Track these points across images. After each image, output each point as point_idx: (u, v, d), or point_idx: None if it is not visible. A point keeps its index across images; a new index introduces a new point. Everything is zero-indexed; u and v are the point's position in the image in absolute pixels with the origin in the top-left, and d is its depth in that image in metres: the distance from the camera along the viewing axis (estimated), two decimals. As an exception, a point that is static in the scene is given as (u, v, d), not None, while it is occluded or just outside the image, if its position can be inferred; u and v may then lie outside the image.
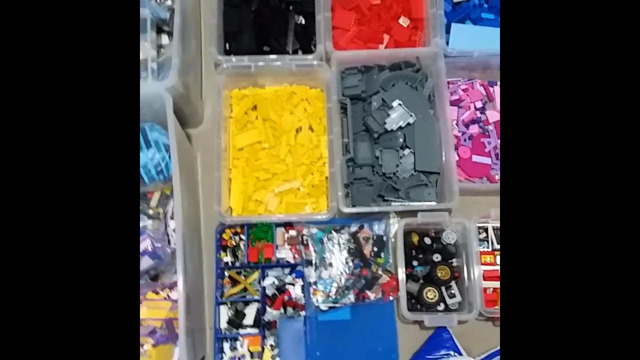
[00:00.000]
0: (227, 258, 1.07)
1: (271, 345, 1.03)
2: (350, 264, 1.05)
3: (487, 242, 1.07)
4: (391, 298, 1.04)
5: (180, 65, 0.97)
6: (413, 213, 1.04)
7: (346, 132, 1.10)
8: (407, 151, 1.09)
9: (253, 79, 1.15)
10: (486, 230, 1.07)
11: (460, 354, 1.01)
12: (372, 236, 1.08)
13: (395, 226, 1.08)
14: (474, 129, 1.17)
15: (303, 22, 1.18)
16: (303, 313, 1.04)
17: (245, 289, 1.06)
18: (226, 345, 1.04)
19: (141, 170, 0.92)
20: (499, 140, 1.16)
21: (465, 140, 1.15)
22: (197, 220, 1.11)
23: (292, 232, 1.08)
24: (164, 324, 0.88)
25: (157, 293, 0.92)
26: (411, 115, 1.08)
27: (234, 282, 1.07)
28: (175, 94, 0.96)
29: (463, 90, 1.19)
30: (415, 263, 1.06)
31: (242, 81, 1.15)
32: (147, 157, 0.93)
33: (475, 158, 1.14)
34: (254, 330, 1.03)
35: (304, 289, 1.05)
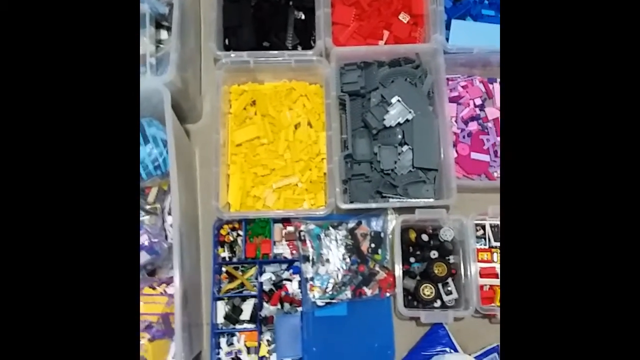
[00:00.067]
0: (225, 253, 1.08)
1: (268, 341, 1.03)
2: (348, 260, 1.05)
3: (485, 239, 1.07)
4: (388, 294, 1.05)
5: (179, 60, 0.97)
6: (411, 210, 1.04)
7: (345, 128, 1.10)
8: (405, 148, 1.09)
9: (252, 74, 1.15)
10: (483, 227, 1.07)
11: (456, 351, 1.01)
12: (370, 232, 1.08)
13: (393, 223, 1.08)
14: (473, 126, 1.16)
15: (303, 17, 1.18)
16: (300, 309, 1.04)
17: (242, 285, 1.06)
18: (223, 341, 1.04)
19: (139, 165, 0.92)
20: (498, 138, 1.16)
21: (464, 137, 1.15)
22: (194, 215, 1.11)
23: (290, 228, 1.08)
24: (161, 319, 0.89)
25: (153, 288, 0.92)
26: (410, 112, 1.08)
27: (232, 277, 1.07)
28: (174, 89, 0.96)
29: (462, 87, 1.19)
30: (412, 259, 1.06)
31: (242, 77, 1.15)
32: (145, 153, 0.93)
33: (474, 155, 1.14)
34: (251, 326, 1.04)
35: (301, 284, 1.05)
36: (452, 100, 1.17)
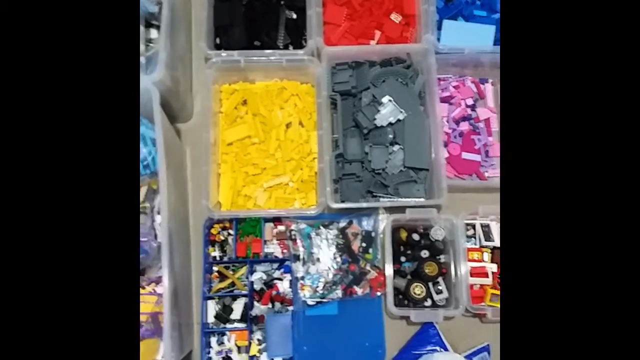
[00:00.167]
0: (216, 253, 1.08)
1: (258, 340, 1.03)
2: (338, 259, 1.05)
3: (475, 238, 1.07)
4: (379, 293, 1.05)
5: (168, 59, 0.97)
6: (402, 209, 1.04)
7: (336, 127, 1.10)
8: (396, 147, 1.09)
9: (243, 73, 1.15)
10: (474, 227, 1.07)
11: (447, 350, 1.01)
12: (361, 232, 1.08)
13: (384, 222, 1.08)
14: (465, 126, 1.17)
15: (294, 17, 1.18)
16: (291, 308, 1.04)
17: (233, 284, 1.06)
18: (213, 340, 1.04)
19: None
20: (489, 138, 1.16)
21: (455, 137, 1.15)
22: (185, 215, 1.11)
23: (281, 227, 1.08)
24: (150, 318, 0.88)
25: (143, 287, 0.92)
26: (401, 112, 1.08)
27: (222, 276, 1.07)
28: (163, 88, 0.95)
29: (454, 87, 1.19)
30: (403, 259, 1.06)
31: (233, 76, 1.15)
32: (135, 151, 0.93)
33: (465, 155, 1.14)
34: (242, 325, 1.03)
35: (291, 284, 1.05)
36: (443, 100, 1.17)
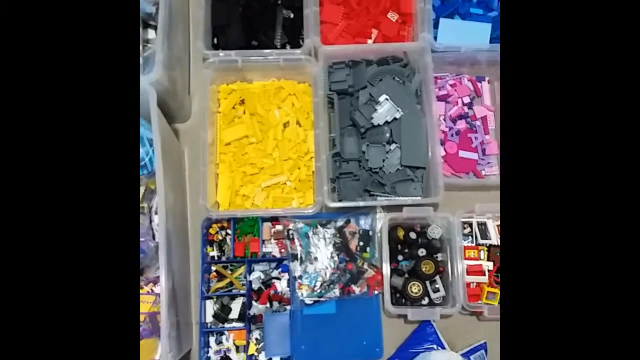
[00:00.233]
0: (214, 252, 1.08)
1: (256, 339, 1.04)
2: (336, 258, 1.05)
3: (472, 236, 1.07)
4: (376, 292, 1.05)
5: (166, 59, 0.97)
6: (399, 208, 1.05)
7: (333, 126, 1.11)
8: (393, 146, 1.09)
9: (241, 73, 1.15)
10: (470, 225, 1.07)
11: (444, 348, 1.02)
12: (359, 231, 1.08)
13: (382, 221, 1.08)
14: (461, 124, 1.17)
15: (291, 16, 1.18)
16: (289, 307, 1.04)
17: (231, 284, 1.06)
18: (212, 339, 1.04)
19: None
20: (486, 136, 1.16)
21: (452, 135, 1.15)
22: (183, 214, 1.11)
23: (279, 227, 1.09)
24: (148, 317, 0.89)
25: (141, 287, 0.92)
26: (398, 110, 1.08)
27: (220, 276, 1.07)
28: (160, 89, 0.96)
29: (451, 85, 1.19)
30: (400, 257, 1.07)
31: (230, 76, 1.15)
32: (132, 152, 0.93)
33: (462, 153, 1.14)
34: (240, 324, 1.04)
35: (289, 283, 1.05)
36: (440, 98, 1.17)
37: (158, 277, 0.92)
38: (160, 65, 0.94)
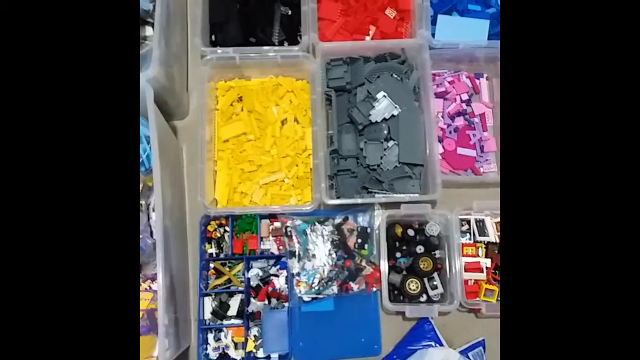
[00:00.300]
0: (212, 250, 1.08)
1: (255, 336, 1.04)
2: (334, 255, 1.05)
3: (469, 234, 1.07)
4: (374, 289, 1.05)
5: (163, 56, 0.97)
6: (397, 205, 1.05)
7: (331, 123, 1.11)
8: (391, 143, 1.09)
9: (239, 70, 1.15)
10: (468, 222, 1.07)
11: (442, 345, 1.02)
12: (357, 228, 1.08)
13: (380, 218, 1.08)
14: (460, 122, 1.17)
15: (289, 13, 1.17)
16: (287, 304, 1.04)
17: (229, 281, 1.06)
18: (210, 336, 1.04)
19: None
20: (484, 133, 1.16)
21: (450, 132, 1.15)
22: (181, 212, 1.11)
23: (277, 224, 1.09)
24: (146, 314, 0.89)
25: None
26: (396, 107, 1.08)
27: (219, 273, 1.07)
28: (158, 86, 0.96)
29: (449, 82, 1.19)
30: (398, 254, 1.07)
31: (228, 73, 1.15)
32: (129, 149, 0.93)
33: (460, 150, 1.14)
34: (238, 321, 1.04)
35: (287, 280, 1.05)
36: (438, 95, 1.17)
37: (156, 274, 0.92)
38: (156, 62, 0.94)
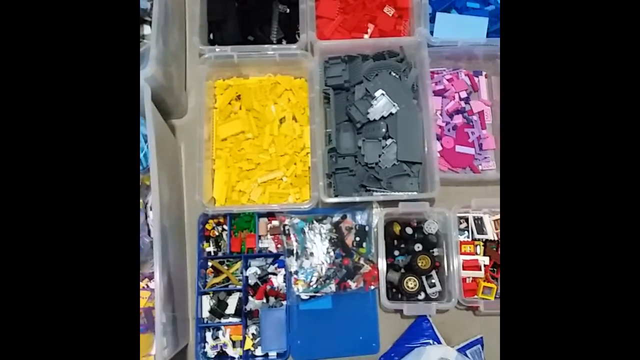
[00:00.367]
0: (210, 248, 1.08)
1: (253, 334, 1.04)
2: (332, 253, 1.05)
3: (468, 231, 1.07)
4: (372, 287, 1.05)
5: (160, 55, 0.97)
6: (395, 203, 1.05)
7: (329, 122, 1.10)
8: (389, 141, 1.09)
9: (237, 69, 1.15)
10: (467, 220, 1.07)
11: (440, 343, 1.02)
12: (355, 226, 1.08)
13: (378, 216, 1.08)
14: (458, 119, 1.16)
15: (287, 11, 1.17)
16: (285, 302, 1.05)
17: (227, 279, 1.06)
18: (208, 335, 1.05)
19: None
20: (483, 131, 1.16)
21: (449, 130, 1.15)
22: (179, 210, 1.11)
23: (275, 222, 1.09)
24: (143, 313, 0.89)
25: (136, 282, 0.92)
26: (394, 105, 1.08)
27: (217, 272, 1.07)
28: (155, 84, 0.96)
29: (448, 80, 1.19)
30: (396, 253, 1.07)
31: (226, 71, 1.15)
32: (127, 148, 0.93)
33: (459, 148, 1.14)
34: (236, 320, 1.04)
35: (285, 278, 1.05)
36: (437, 93, 1.17)
37: (153, 272, 0.93)
38: (154, 60, 0.94)
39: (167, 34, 1.04)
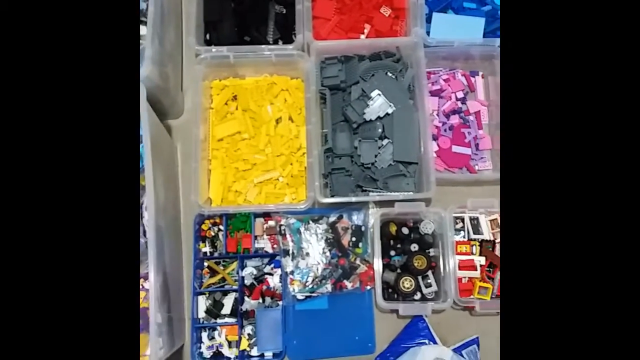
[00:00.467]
0: (206, 248, 1.08)
1: (249, 335, 1.04)
2: (328, 253, 1.05)
3: (464, 232, 1.07)
4: (368, 287, 1.05)
5: (156, 55, 0.97)
6: (392, 203, 1.05)
7: (325, 122, 1.10)
8: (385, 141, 1.09)
9: (233, 69, 1.15)
10: (463, 220, 1.07)
11: (436, 343, 1.02)
12: (351, 226, 1.08)
13: (374, 216, 1.08)
14: (455, 119, 1.16)
15: (284, 11, 1.17)
16: (281, 302, 1.05)
17: (223, 279, 1.06)
18: (204, 335, 1.05)
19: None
20: (479, 131, 1.16)
21: (445, 130, 1.15)
22: (175, 211, 1.11)
23: (271, 223, 1.09)
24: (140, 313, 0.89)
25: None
26: (390, 106, 1.08)
27: (213, 272, 1.07)
28: (151, 85, 0.96)
29: (444, 80, 1.18)
30: (392, 253, 1.07)
31: (223, 72, 1.15)
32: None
33: (455, 148, 1.14)
34: (232, 320, 1.04)
35: (281, 278, 1.05)
36: (434, 93, 1.17)
37: (148, 273, 0.93)
38: (149, 61, 0.93)
39: (163, 35, 1.04)
